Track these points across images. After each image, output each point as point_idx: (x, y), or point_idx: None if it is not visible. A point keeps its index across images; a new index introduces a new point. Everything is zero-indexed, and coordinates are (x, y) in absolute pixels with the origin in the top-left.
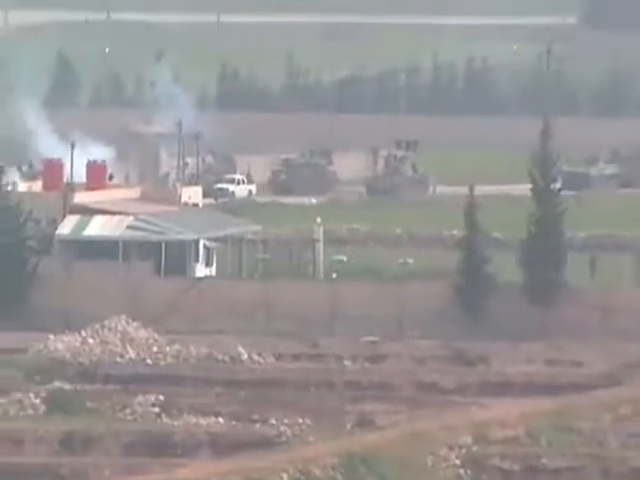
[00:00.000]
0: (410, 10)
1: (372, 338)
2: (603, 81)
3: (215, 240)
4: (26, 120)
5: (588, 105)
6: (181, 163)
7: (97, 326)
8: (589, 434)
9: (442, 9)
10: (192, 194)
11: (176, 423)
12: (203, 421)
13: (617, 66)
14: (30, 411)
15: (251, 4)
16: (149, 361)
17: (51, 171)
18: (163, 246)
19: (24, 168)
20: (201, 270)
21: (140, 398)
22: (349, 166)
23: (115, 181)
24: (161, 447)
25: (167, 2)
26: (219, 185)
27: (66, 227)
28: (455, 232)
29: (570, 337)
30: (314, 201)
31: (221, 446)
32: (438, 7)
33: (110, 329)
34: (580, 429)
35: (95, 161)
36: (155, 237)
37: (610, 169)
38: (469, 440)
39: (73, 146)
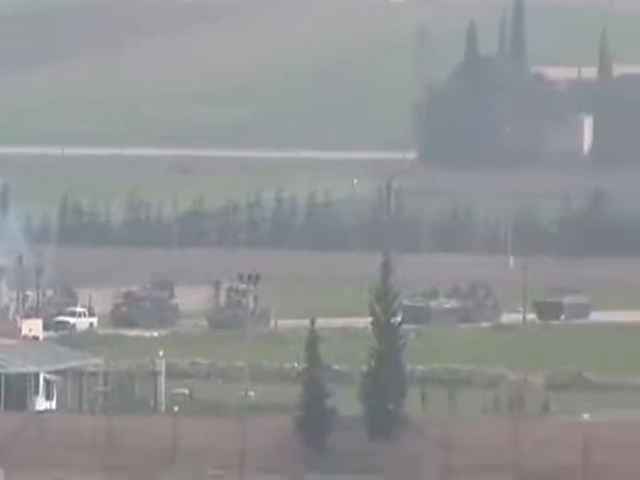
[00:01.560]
0: (253, 143)
1: (217, 472)
2: (443, 217)
3: (55, 373)
4: None
5: (428, 240)
6: (21, 296)
7: None
8: None
9: (286, 143)
10: (32, 327)
11: None
12: None
13: (456, 202)
14: None
15: (94, 136)
16: None
17: None
18: (3, 379)
19: None
20: (41, 403)
21: None
22: (191, 299)
23: None
24: None
25: (11, 133)
26: (60, 318)
27: None
28: (296, 365)
29: (409, 473)
30: (156, 334)
31: None
32: (282, 141)
33: None
34: None
35: None
36: None
37: (450, 303)
38: None
39: None
